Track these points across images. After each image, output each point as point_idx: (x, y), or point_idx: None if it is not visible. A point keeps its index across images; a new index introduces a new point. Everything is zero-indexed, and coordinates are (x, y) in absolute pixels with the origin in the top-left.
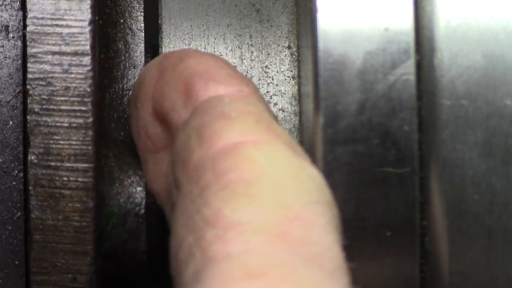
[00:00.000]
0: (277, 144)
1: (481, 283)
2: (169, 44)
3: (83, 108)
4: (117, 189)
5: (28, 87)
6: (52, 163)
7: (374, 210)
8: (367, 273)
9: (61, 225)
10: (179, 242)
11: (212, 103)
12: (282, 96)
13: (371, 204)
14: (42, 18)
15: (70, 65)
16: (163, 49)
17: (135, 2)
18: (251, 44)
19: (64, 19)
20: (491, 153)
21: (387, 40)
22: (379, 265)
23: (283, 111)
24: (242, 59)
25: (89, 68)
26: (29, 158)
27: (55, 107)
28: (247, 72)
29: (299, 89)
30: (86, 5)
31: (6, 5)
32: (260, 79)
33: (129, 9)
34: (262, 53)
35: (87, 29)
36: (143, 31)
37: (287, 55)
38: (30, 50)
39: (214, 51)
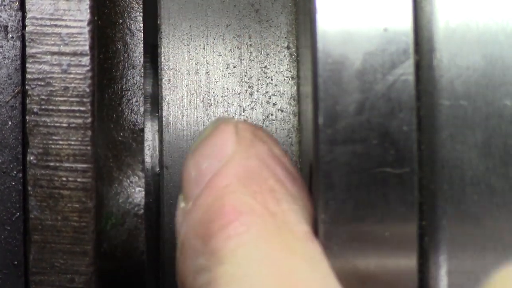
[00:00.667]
0: None
1: (480, 282)
2: (168, 44)
3: (82, 108)
4: (116, 190)
5: (27, 87)
6: (51, 164)
7: (374, 210)
8: (367, 273)
9: (60, 226)
10: None
11: None
12: (281, 96)
13: (370, 204)
14: (41, 19)
15: (69, 65)
16: (162, 49)
17: (134, 3)
18: (250, 45)
19: (63, 20)
20: (490, 153)
21: (386, 40)
22: (379, 265)
23: (282, 111)
24: (241, 59)
25: (88, 68)
26: (28, 158)
27: (54, 107)
28: (246, 72)
29: (298, 90)
30: (85, 6)
31: (5, 5)
32: (259, 79)
33: (128, 9)
34: (261, 53)
35: (86, 29)
36: (142, 31)
37: (286, 56)
38: (29, 51)
39: (213, 51)
